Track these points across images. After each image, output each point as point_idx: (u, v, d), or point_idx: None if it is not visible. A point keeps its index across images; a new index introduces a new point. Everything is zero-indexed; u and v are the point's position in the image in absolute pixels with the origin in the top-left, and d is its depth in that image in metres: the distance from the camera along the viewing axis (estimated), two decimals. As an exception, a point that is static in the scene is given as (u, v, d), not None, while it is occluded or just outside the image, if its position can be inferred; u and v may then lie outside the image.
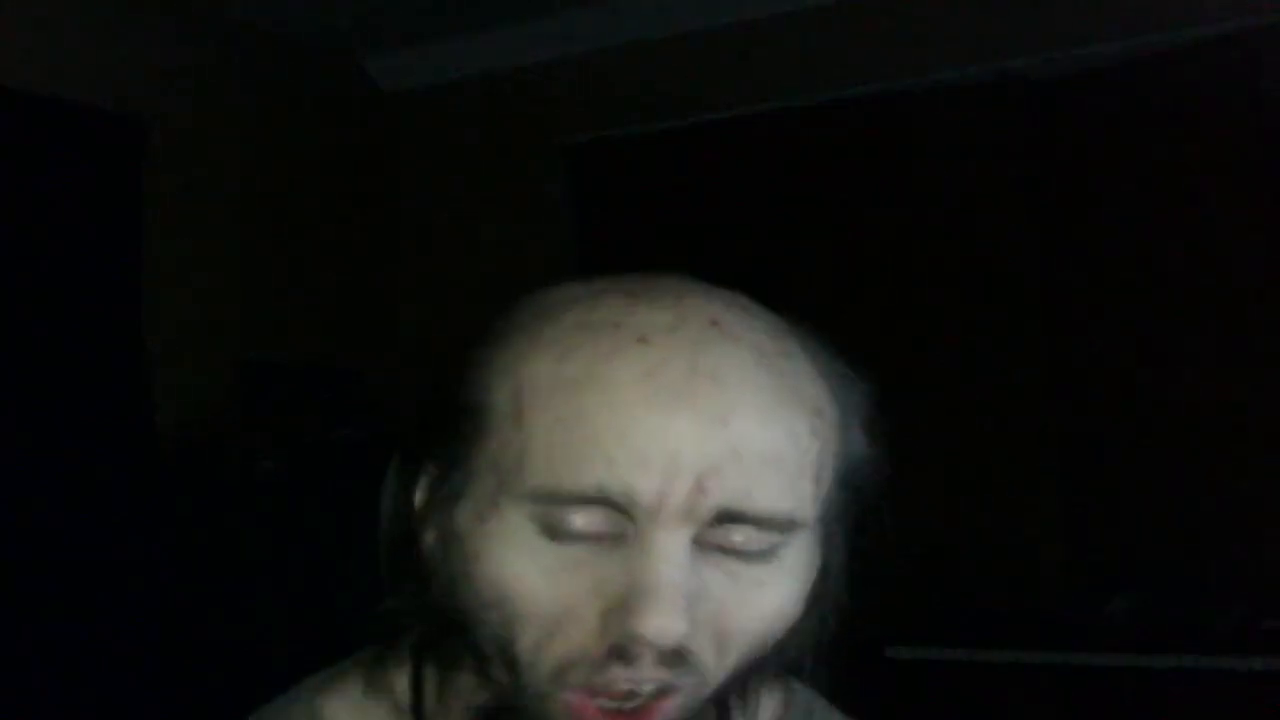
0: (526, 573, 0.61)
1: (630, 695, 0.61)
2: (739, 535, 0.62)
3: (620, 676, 0.60)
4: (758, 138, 3.48)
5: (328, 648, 0.83)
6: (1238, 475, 2.87)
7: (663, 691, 0.61)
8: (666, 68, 3.59)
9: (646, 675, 0.60)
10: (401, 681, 0.72)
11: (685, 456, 0.59)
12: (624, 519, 0.60)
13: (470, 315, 0.82)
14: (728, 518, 0.61)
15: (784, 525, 0.62)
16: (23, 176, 2.85)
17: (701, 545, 0.61)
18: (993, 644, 2.87)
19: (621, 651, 0.60)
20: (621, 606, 0.60)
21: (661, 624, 0.59)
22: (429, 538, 0.66)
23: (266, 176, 3.55)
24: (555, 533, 0.61)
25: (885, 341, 3.28)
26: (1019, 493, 3.12)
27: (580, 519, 0.60)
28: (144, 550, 2.90)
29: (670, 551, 0.60)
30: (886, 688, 2.78)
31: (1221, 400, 2.90)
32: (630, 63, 3.64)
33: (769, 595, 0.63)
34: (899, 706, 2.75)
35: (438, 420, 0.67)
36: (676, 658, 0.60)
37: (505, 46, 3.76)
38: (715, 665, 0.63)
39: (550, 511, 0.61)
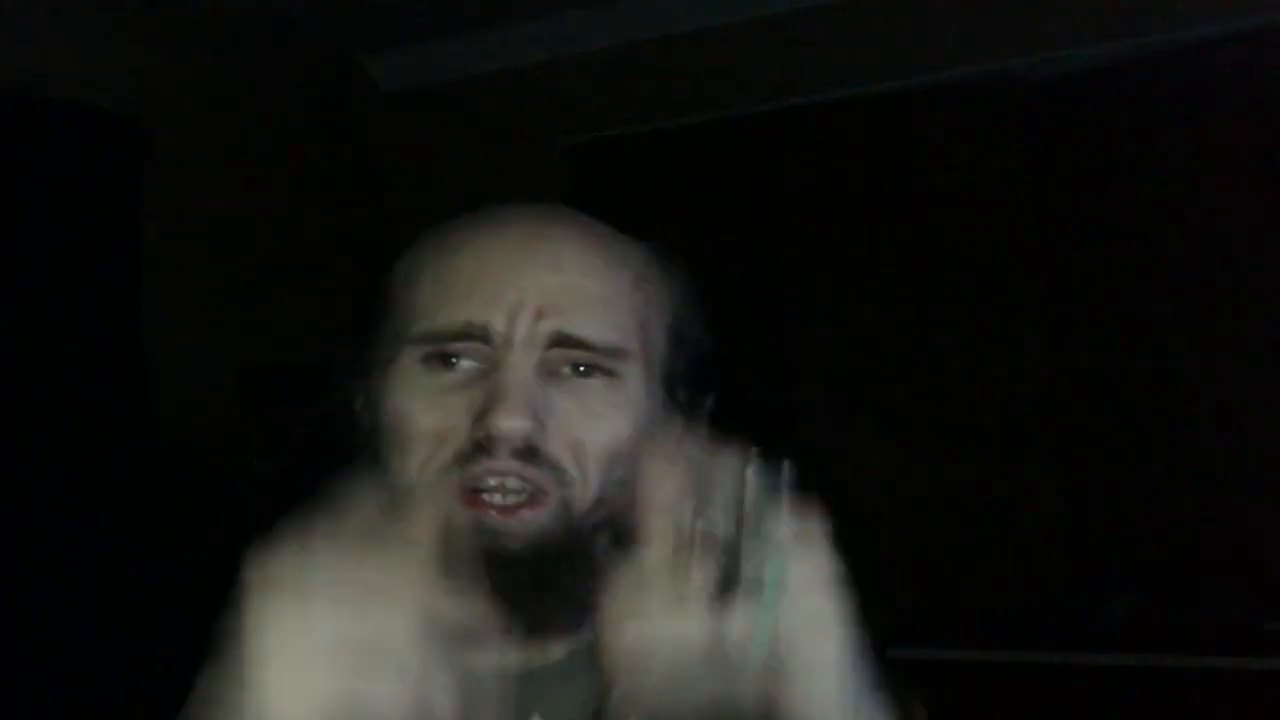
0: (415, 399, 0.77)
1: (503, 492, 0.74)
2: (578, 356, 0.77)
3: (484, 468, 0.74)
4: (758, 138, 3.48)
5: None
6: (1238, 475, 2.87)
7: (533, 496, 0.75)
8: (666, 68, 3.59)
9: (505, 467, 0.74)
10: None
11: (527, 294, 0.76)
12: (486, 349, 0.76)
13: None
14: (563, 341, 0.77)
15: (611, 352, 0.78)
16: (23, 176, 2.85)
17: (550, 370, 0.77)
18: (993, 644, 2.87)
19: (480, 444, 0.74)
20: (482, 412, 0.74)
21: (509, 419, 0.73)
22: (358, 405, 0.82)
23: (266, 177, 3.55)
24: (435, 365, 0.77)
25: (885, 341, 3.28)
26: (1019, 492, 3.12)
27: (452, 350, 0.77)
28: (144, 550, 2.89)
29: (516, 365, 0.75)
30: (886, 688, 2.78)
31: (1221, 400, 2.90)
32: (630, 63, 3.64)
33: (611, 414, 0.78)
34: (899, 706, 2.75)
35: (360, 312, 0.84)
36: (530, 454, 0.74)
37: (505, 46, 3.76)
38: (578, 474, 0.76)
39: (429, 348, 0.77)
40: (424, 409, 0.77)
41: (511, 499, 0.75)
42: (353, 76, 3.90)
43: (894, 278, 3.28)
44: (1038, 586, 3.08)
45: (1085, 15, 3.10)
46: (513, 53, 3.76)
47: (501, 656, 0.74)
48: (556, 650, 0.82)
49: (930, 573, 3.16)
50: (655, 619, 0.70)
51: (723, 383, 0.86)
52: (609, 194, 3.66)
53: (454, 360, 0.77)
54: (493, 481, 0.74)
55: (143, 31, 3.23)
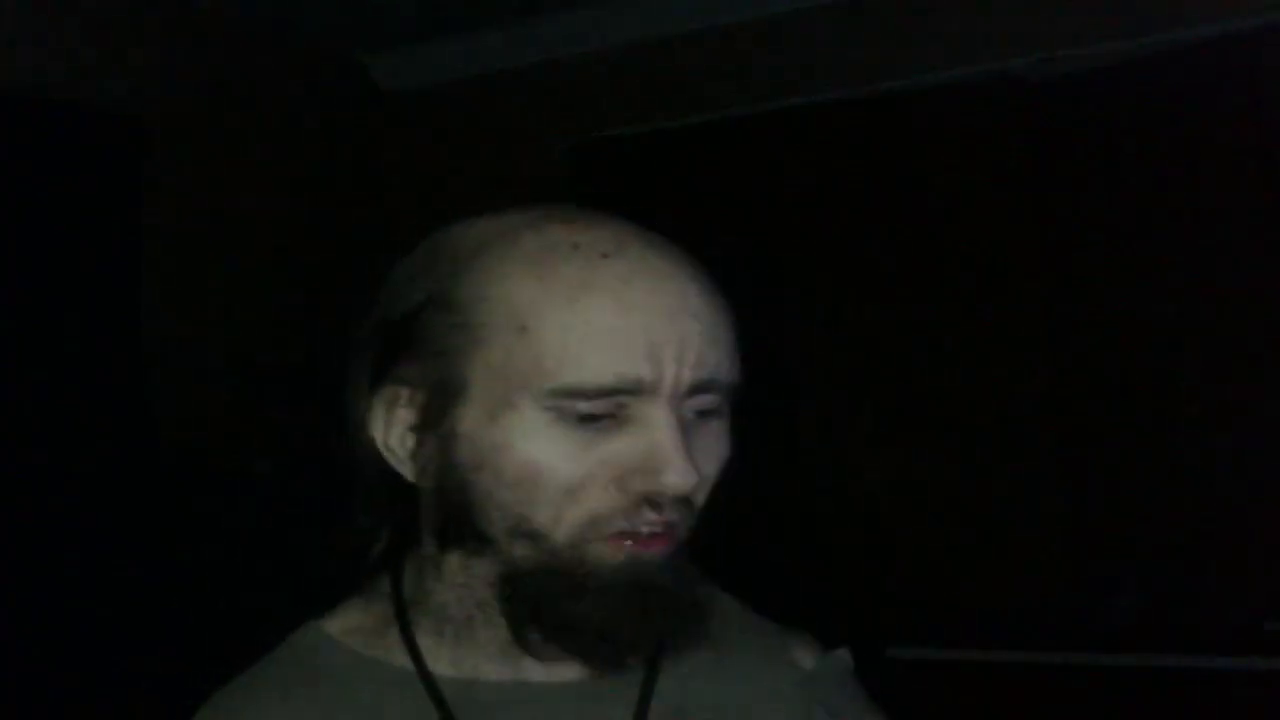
0: (549, 455, 0.75)
1: (647, 533, 0.77)
2: (708, 402, 0.79)
3: (650, 520, 0.76)
4: (758, 138, 3.48)
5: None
6: (1238, 475, 2.87)
7: (667, 530, 0.78)
8: (666, 68, 3.59)
9: (669, 518, 0.77)
10: (378, 588, 0.86)
11: (673, 345, 0.75)
12: (622, 402, 0.75)
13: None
14: (700, 389, 0.77)
15: (732, 391, 0.80)
16: (23, 176, 2.85)
17: (682, 412, 0.78)
18: (993, 644, 2.87)
19: (652, 501, 0.76)
20: (641, 468, 0.75)
21: (681, 477, 0.75)
22: (414, 447, 0.80)
23: (266, 176, 3.55)
24: (570, 420, 0.75)
25: (885, 341, 3.28)
26: (1019, 492, 3.12)
27: (592, 405, 0.75)
28: (143, 550, 2.90)
29: (673, 420, 0.76)
30: (886, 688, 2.79)
31: (1221, 400, 2.90)
32: (630, 63, 3.64)
33: (721, 445, 0.81)
34: (899, 706, 2.75)
35: (404, 344, 0.80)
36: (686, 502, 0.78)
37: (505, 46, 3.76)
38: (699, 506, 0.81)
39: (568, 404, 0.75)
40: (559, 463, 0.75)
41: (648, 534, 0.78)
42: (353, 76, 3.90)
43: (894, 278, 3.28)
44: (1038, 586, 3.08)
45: (1085, 15, 3.10)
46: (513, 53, 3.76)
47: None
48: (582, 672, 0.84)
49: (930, 573, 3.16)
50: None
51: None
52: (609, 194, 3.66)
53: (589, 411, 0.75)
54: (659, 530, 0.77)
55: (143, 31, 3.23)
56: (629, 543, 0.77)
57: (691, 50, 3.56)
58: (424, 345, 0.79)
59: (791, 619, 0.94)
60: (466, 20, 3.66)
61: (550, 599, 0.77)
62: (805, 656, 0.93)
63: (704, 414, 0.79)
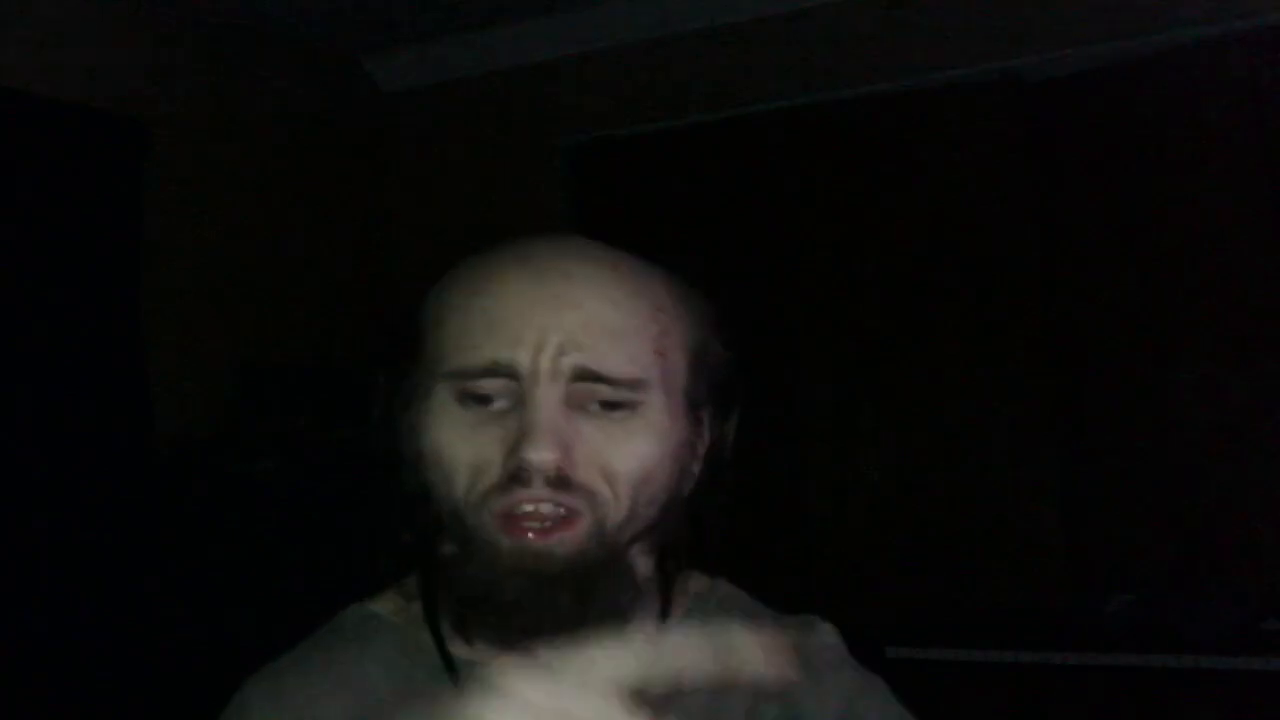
0: (451, 434, 0.83)
1: (539, 518, 0.80)
2: (602, 391, 0.82)
3: (520, 497, 0.80)
4: (758, 138, 3.48)
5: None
6: (1237, 475, 2.87)
7: (566, 517, 0.80)
8: (666, 68, 3.59)
9: (538, 495, 0.80)
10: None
11: (549, 331, 0.81)
12: (514, 384, 0.81)
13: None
14: (585, 376, 0.81)
15: (633, 384, 0.82)
16: (23, 177, 2.85)
17: (575, 402, 0.82)
18: (993, 644, 2.88)
19: (515, 475, 0.80)
20: (515, 445, 0.80)
21: (538, 450, 0.79)
22: (398, 439, 0.87)
23: (266, 177, 3.55)
24: (468, 401, 0.83)
25: (885, 341, 3.28)
26: (1019, 493, 3.12)
27: (484, 387, 0.82)
28: (144, 551, 2.90)
29: (543, 400, 0.80)
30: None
31: (1221, 401, 2.90)
32: (630, 63, 3.64)
33: (636, 440, 0.83)
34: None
35: (394, 348, 0.89)
36: (562, 481, 0.80)
37: (505, 46, 3.76)
38: (610, 497, 0.82)
39: (462, 385, 0.82)
40: (461, 442, 0.82)
41: (548, 523, 0.81)
42: (353, 76, 3.90)
43: (894, 278, 3.28)
44: (1037, 586, 3.09)
45: (1085, 15, 3.10)
46: (513, 53, 3.76)
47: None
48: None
49: (930, 573, 3.16)
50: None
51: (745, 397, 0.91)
52: (609, 194, 3.66)
53: (486, 396, 0.82)
54: (529, 508, 0.80)
55: (143, 32, 3.23)
56: (530, 534, 0.80)
57: (692, 50, 3.56)
58: (401, 348, 0.89)
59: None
60: (466, 20, 3.66)
61: (463, 579, 0.83)
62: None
63: (610, 406, 0.82)
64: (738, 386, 0.91)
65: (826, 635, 0.92)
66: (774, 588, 0.96)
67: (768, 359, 3.25)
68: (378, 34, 3.74)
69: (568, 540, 0.81)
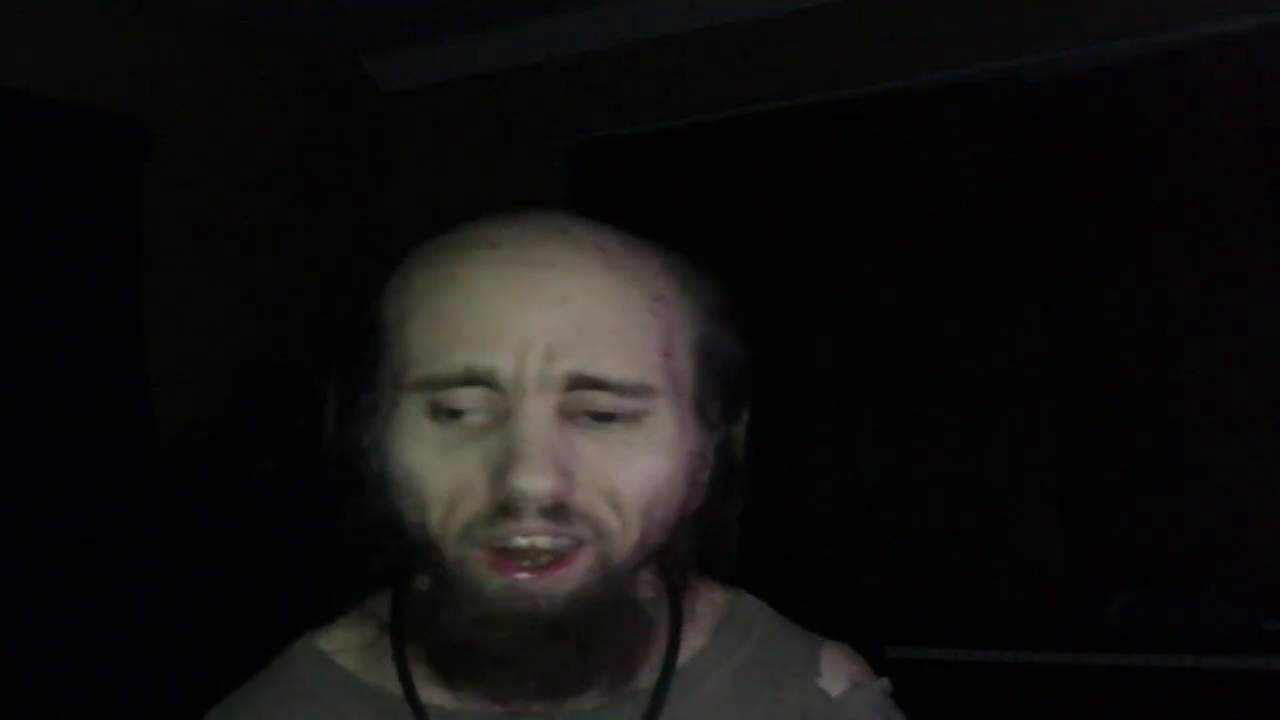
0: (422, 453, 0.69)
1: (534, 554, 0.68)
2: (600, 400, 0.69)
3: (510, 530, 0.67)
4: (758, 138, 3.48)
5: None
6: (1237, 475, 2.87)
7: (565, 552, 0.68)
8: (666, 68, 3.59)
9: (532, 528, 0.67)
10: (385, 606, 0.79)
11: (534, 332, 0.68)
12: (496, 395, 0.68)
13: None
14: (581, 384, 0.68)
15: (636, 390, 0.70)
16: (23, 177, 2.85)
17: (569, 414, 0.69)
18: (993, 644, 2.87)
19: (505, 507, 0.67)
20: (501, 470, 0.67)
21: (531, 478, 0.66)
22: (359, 457, 0.75)
23: (266, 177, 3.55)
24: (441, 415, 0.69)
25: (885, 341, 3.28)
26: (1019, 493, 3.12)
27: (459, 399, 0.69)
28: (144, 550, 2.90)
29: (533, 415, 0.68)
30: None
31: (1221, 400, 2.90)
32: (629, 63, 3.64)
33: (643, 456, 0.70)
34: (899, 706, 2.75)
35: (344, 348, 0.76)
36: (560, 511, 0.67)
37: (505, 46, 3.76)
38: (616, 524, 0.70)
39: (434, 397, 0.69)
40: (435, 464, 0.69)
41: (544, 559, 0.68)
42: (353, 76, 3.90)
43: (894, 277, 3.28)
44: (1037, 586, 3.08)
45: (1085, 15, 3.10)
46: (513, 53, 3.76)
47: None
48: (588, 699, 0.74)
49: (930, 573, 3.16)
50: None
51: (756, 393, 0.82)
52: (608, 194, 3.66)
53: (459, 406, 0.69)
54: (522, 543, 0.68)
55: (143, 32, 3.23)
56: (523, 572, 0.68)
57: (691, 50, 3.55)
58: (354, 348, 0.76)
59: (790, 619, 0.94)
60: (466, 20, 3.66)
61: (442, 622, 0.70)
62: (836, 679, 0.83)
63: (604, 417, 0.70)
64: (748, 380, 0.79)
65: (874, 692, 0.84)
66: (774, 588, 0.96)
67: (767, 359, 3.25)
68: (378, 34, 3.74)
69: (567, 578, 0.69)
